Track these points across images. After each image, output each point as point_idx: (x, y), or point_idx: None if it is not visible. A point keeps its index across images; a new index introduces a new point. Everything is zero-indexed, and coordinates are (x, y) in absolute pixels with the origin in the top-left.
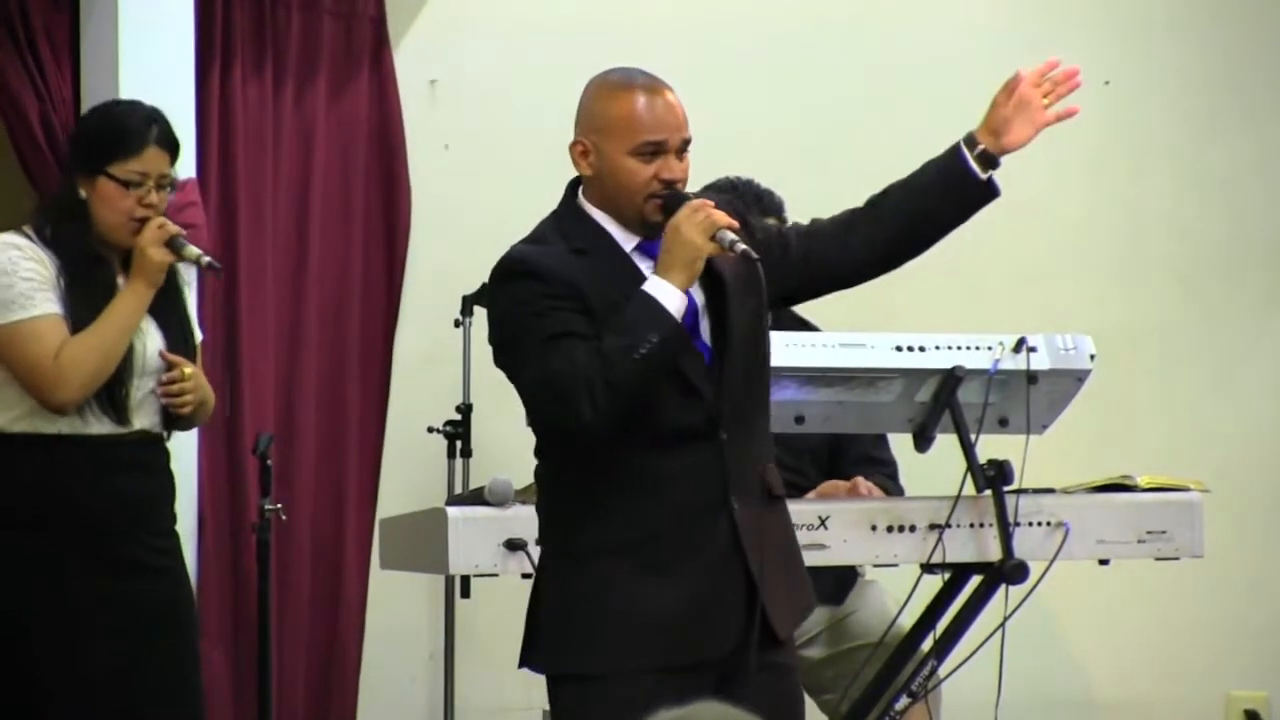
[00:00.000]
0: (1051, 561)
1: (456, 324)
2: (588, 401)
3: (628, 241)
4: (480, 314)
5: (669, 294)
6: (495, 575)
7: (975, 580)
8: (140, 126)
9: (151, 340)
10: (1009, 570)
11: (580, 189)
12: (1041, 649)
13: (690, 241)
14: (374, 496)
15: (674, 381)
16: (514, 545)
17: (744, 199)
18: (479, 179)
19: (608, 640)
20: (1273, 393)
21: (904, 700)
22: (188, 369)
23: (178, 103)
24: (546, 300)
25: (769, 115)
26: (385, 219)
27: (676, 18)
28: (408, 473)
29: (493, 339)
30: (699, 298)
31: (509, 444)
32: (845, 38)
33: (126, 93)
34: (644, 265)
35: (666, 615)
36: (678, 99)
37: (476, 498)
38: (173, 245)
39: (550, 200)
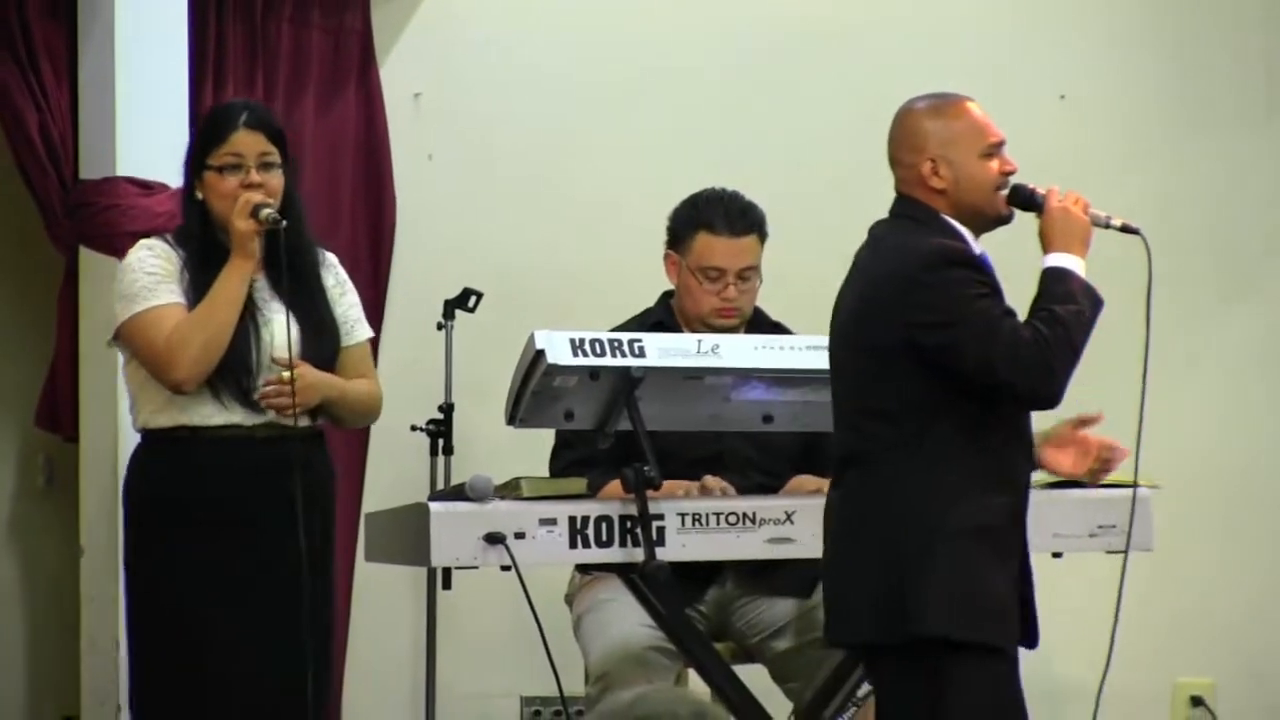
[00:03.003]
0: None
1: (439, 327)
2: (1062, 368)
3: (976, 248)
4: (462, 318)
5: (1079, 265)
6: (475, 568)
7: None
8: (227, 115)
9: (280, 330)
10: None
11: (925, 205)
12: None
13: (1081, 219)
14: (359, 492)
15: None
16: (494, 539)
17: (729, 213)
18: (460, 188)
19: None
20: (1218, 394)
21: (865, 688)
22: (285, 374)
23: (172, 114)
24: (985, 286)
25: (751, 121)
26: (371, 226)
27: (656, 32)
28: (392, 469)
29: (927, 320)
30: None
31: (489, 442)
32: (808, 53)
33: (123, 104)
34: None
35: (1011, 598)
36: None
37: (458, 493)
38: (255, 214)
39: (528, 209)
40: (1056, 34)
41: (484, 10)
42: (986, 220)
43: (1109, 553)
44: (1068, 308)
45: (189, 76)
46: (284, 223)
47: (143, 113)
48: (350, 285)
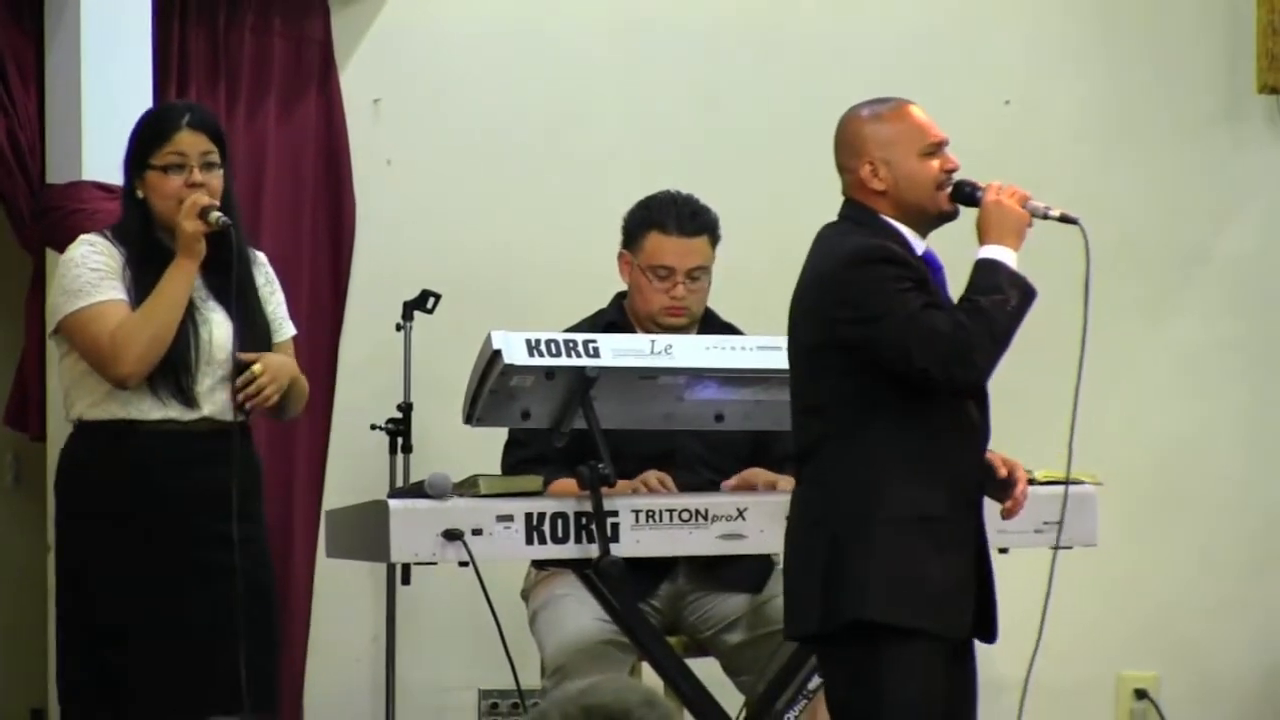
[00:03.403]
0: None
1: (398, 328)
2: (982, 355)
3: (919, 247)
4: (420, 319)
5: (1011, 257)
6: (434, 564)
7: None
8: (169, 115)
9: (219, 329)
10: None
11: (865, 206)
12: None
13: (1015, 212)
14: (320, 489)
15: None
16: (452, 535)
17: (680, 214)
18: (419, 192)
19: (937, 601)
20: (1159, 393)
21: (816, 680)
22: (256, 366)
23: (136, 119)
24: (906, 280)
25: (704, 126)
26: (331, 229)
27: (609, 40)
28: (352, 467)
29: (853, 317)
30: None
31: (447, 440)
32: (760, 58)
33: (89, 111)
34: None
35: (950, 586)
36: None
37: (416, 491)
38: (203, 215)
39: (485, 213)
40: (1003, 41)
41: (441, 19)
42: (929, 217)
43: (1054, 548)
44: (993, 298)
45: (153, 84)
46: (230, 223)
47: (108, 119)
48: (278, 283)
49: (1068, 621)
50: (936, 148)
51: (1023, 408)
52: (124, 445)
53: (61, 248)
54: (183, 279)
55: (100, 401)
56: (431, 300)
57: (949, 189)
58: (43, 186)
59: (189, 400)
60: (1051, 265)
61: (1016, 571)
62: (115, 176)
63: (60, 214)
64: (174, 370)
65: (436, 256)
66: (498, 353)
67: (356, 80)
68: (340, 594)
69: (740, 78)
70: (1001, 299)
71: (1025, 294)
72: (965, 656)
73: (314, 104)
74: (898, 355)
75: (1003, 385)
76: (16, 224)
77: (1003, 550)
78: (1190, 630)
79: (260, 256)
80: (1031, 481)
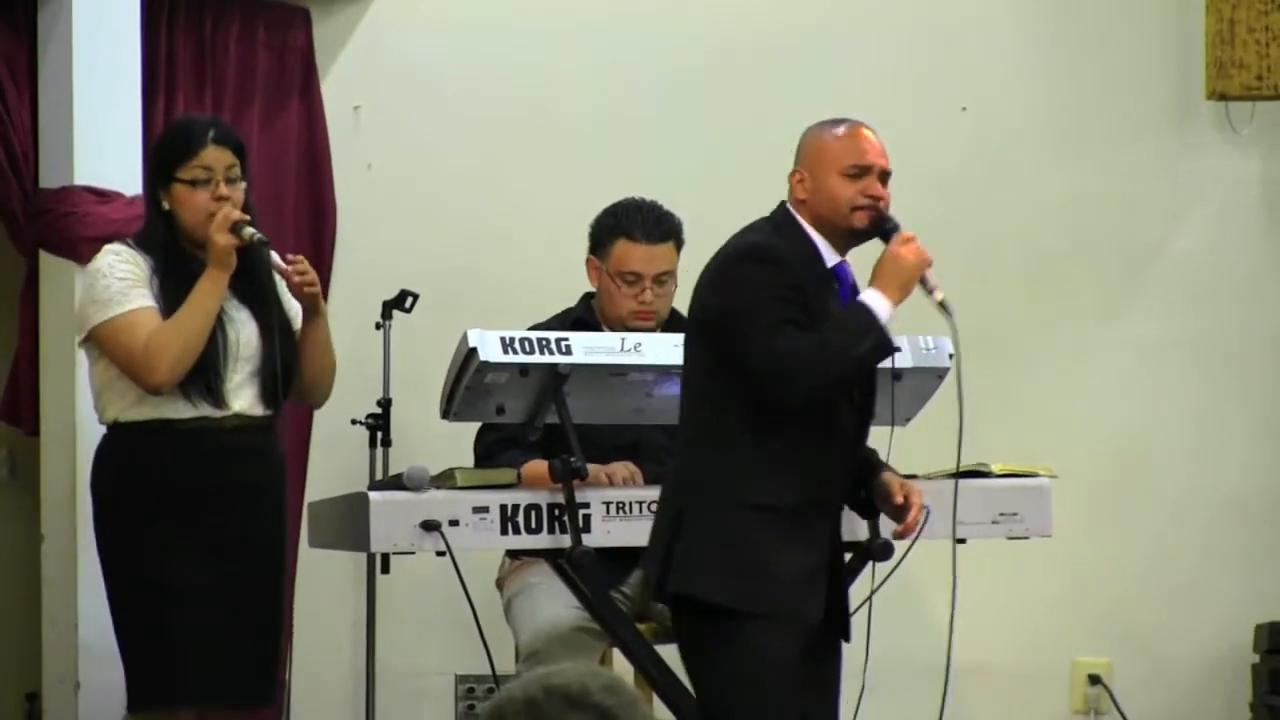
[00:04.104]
0: (914, 540)
1: (377, 326)
2: (806, 384)
3: (830, 259)
4: (399, 318)
5: (884, 308)
6: (412, 553)
7: (846, 558)
8: (196, 130)
9: (244, 329)
10: (876, 549)
11: (796, 212)
12: (906, 619)
13: (908, 268)
14: (303, 481)
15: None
16: (429, 526)
17: (646, 221)
18: (397, 196)
19: (769, 585)
20: (1111, 389)
21: None
22: (298, 258)
23: (126, 126)
24: (781, 288)
25: (667, 135)
26: (313, 231)
27: (578, 53)
28: (333, 460)
29: (720, 306)
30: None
31: (425, 434)
32: (720, 70)
33: (80, 117)
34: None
35: (792, 578)
36: (876, 134)
37: (395, 483)
38: (235, 230)
39: (461, 216)
40: (959, 50)
41: (419, 29)
42: (841, 233)
43: (1011, 538)
44: (843, 339)
45: (142, 92)
46: (266, 240)
47: (99, 126)
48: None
49: (1026, 608)
50: (861, 171)
51: (979, 405)
52: (160, 444)
53: (55, 250)
54: (214, 290)
55: (135, 404)
56: (410, 300)
57: (867, 212)
58: (36, 190)
59: (218, 400)
60: (1002, 272)
61: (974, 562)
62: (106, 181)
63: (53, 217)
64: (204, 373)
65: (414, 257)
66: (473, 350)
67: (337, 88)
68: (322, 583)
69: (699, 91)
70: (851, 344)
71: (878, 346)
72: (827, 656)
73: (296, 111)
74: (742, 356)
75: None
76: (10, 226)
77: (960, 540)
78: (1142, 618)
79: (273, 257)
80: (988, 475)
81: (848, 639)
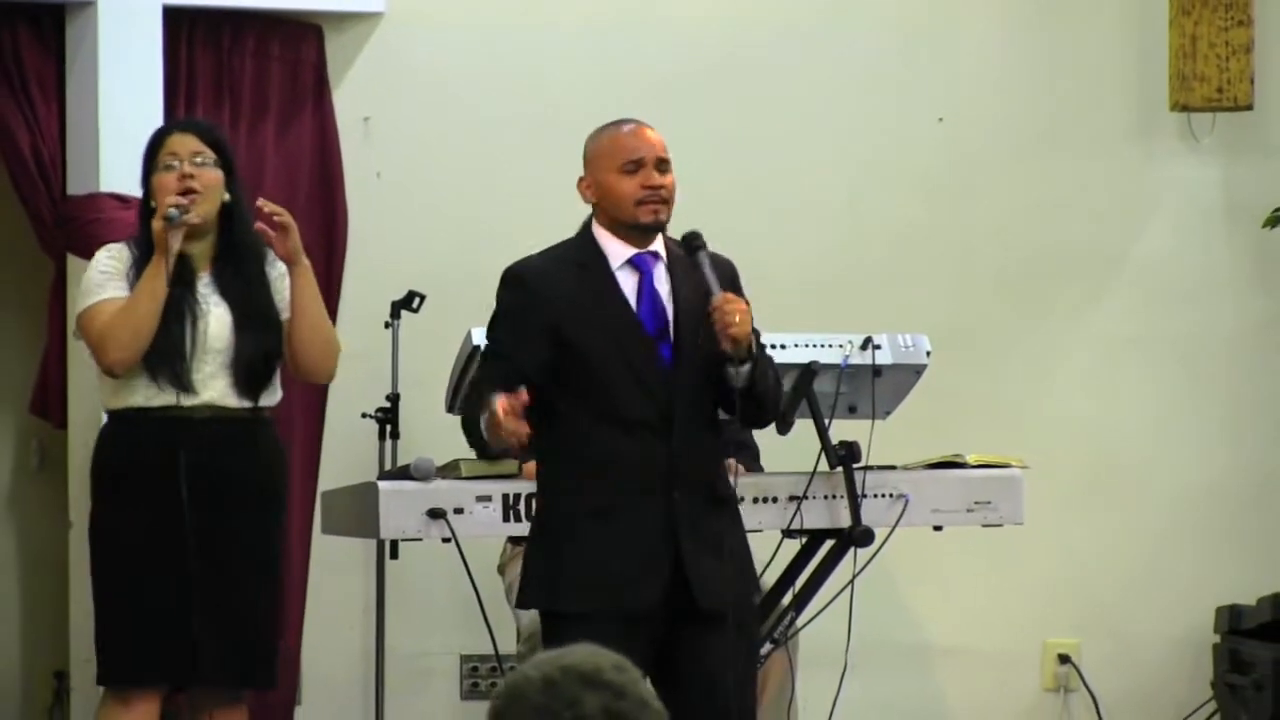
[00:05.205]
0: (893, 528)
1: (386, 325)
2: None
3: (618, 259)
4: (407, 317)
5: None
6: (419, 540)
7: (829, 544)
8: (165, 126)
9: (217, 321)
10: (857, 535)
11: (593, 219)
12: (885, 603)
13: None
14: (316, 472)
15: (632, 377)
16: (435, 514)
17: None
18: (405, 202)
19: (571, 586)
20: (1082, 385)
21: (767, 647)
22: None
23: (148, 137)
24: (505, 306)
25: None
26: (325, 236)
27: (575, 66)
28: (345, 452)
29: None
30: (669, 305)
31: (431, 428)
32: (701, 85)
33: (105, 128)
34: (627, 280)
35: (606, 572)
36: (654, 129)
37: (404, 473)
38: (165, 216)
39: (466, 220)
40: (934, 63)
41: (426, 44)
42: (633, 228)
43: (985, 526)
44: (477, 394)
45: (163, 105)
46: (173, 217)
47: (122, 135)
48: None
49: (999, 593)
50: (636, 164)
51: (956, 400)
52: (134, 431)
53: (81, 253)
54: (155, 273)
55: (116, 391)
56: (417, 300)
57: (651, 206)
58: (63, 197)
59: (185, 386)
60: (979, 272)
61: (951, 547)
62: (130, 188)
63: (79, 223)
64: (168, 359)
65: (422, 260)
66: (477, 348)
67: (348, 100)
68: (334, 568)
69: (678, 106)
70: (470, 409)
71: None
72: (707, 652)
73: (309, 122)
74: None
75: (937, 383)
76: (39, 230)
77: (937, 528)
78: (1109, 601)
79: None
80: (964, 465)
81: (710, 622)
